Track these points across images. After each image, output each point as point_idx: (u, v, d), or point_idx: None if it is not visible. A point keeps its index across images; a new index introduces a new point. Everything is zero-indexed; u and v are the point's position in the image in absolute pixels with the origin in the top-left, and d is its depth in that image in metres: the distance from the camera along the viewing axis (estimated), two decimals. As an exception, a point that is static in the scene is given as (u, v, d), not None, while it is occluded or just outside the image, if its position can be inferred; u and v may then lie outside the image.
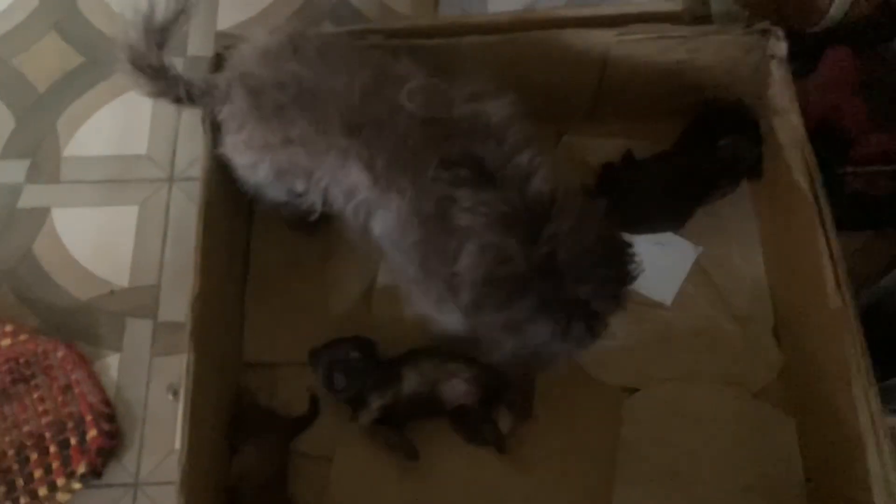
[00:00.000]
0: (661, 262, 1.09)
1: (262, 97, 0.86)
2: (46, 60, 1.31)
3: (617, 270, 0.80)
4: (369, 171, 0.82)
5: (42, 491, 1.00)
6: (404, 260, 0.86)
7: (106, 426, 1.03)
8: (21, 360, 1.08)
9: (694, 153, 1.10)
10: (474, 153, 0.80)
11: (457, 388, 0.97)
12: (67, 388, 1.06)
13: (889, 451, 0.80)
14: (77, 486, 1.01)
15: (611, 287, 0.79)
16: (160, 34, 0.90)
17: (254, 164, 0.91)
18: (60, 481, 1.00)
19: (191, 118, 1.25)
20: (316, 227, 1.05)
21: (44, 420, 1.04)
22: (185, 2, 0.91)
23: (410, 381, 0.97)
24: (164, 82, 0.92)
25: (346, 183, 0.85)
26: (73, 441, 1.02)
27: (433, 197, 0.80)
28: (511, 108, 0.85)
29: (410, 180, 0.81)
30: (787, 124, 0.97)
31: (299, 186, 0.90)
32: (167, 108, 1.25)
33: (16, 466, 1.01)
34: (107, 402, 1.06)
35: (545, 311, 0.77)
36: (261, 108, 0.86)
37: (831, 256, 0.89)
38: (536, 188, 0.79)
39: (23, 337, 1.08)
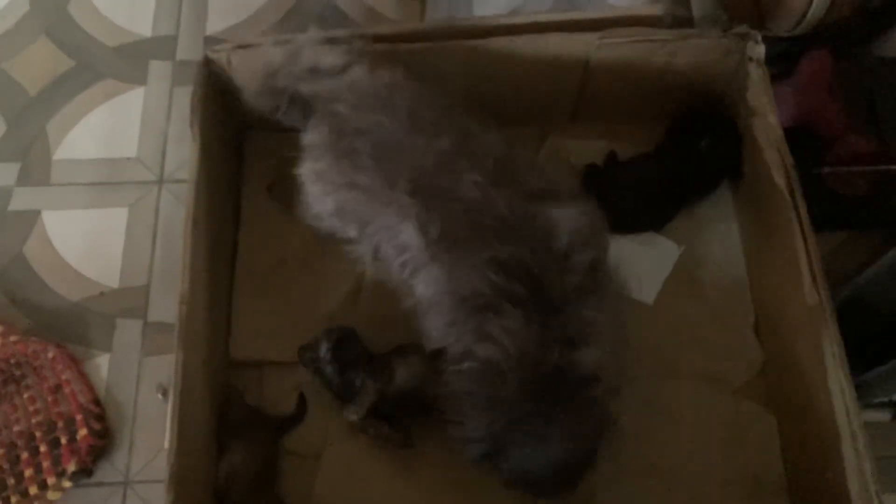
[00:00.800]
0: (644, 261, 1.11)
1: (342, 137, 0.89)
2: (37, 64, 1.33)
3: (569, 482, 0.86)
4: (423, 235, 0.83)
5: (33, 489, 1.00)
6: (429, 320, 0.88)
7: (96, 425, 1.04)
8: (12, 361, 1.08)
9: (675, 154, 1.12)
10: (528, 263, 0.80)
11: None
12: (58, 389, 1.06)
13: (863, 441, 0.82)
14: (67, 484, 1.02)
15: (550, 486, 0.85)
16: (309, 73, 0.93)
17: (320, 196, 0.93)
18: (51, 480, 1.01)
19: (179, 122, 1.27)
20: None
21: (34, 420, 1.05)
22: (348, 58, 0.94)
23: (400, 374, 0.98)
24: (276, 99, 0.96)
25: (398, 240, 0.86)
26: (63, 440, 1.03)
27: (471, 285, 0.80)
28: (582, 219, 0.84)
29: (456, 257, 0.82)
30: (765, 125, 0.99)
31: (351, 232, 0.93)
32: (156, 111, 1.28)
33: (6, 465, 1.02)
34: (97, 402, 1.07)
35: (490, 425, 0.82)
36: (337, 147, 0.89)
37: (808, 254, 0.91)
38: (582, 362, 0.80)
39: (13, 338, 1.09)
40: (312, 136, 0.92)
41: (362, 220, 0.90)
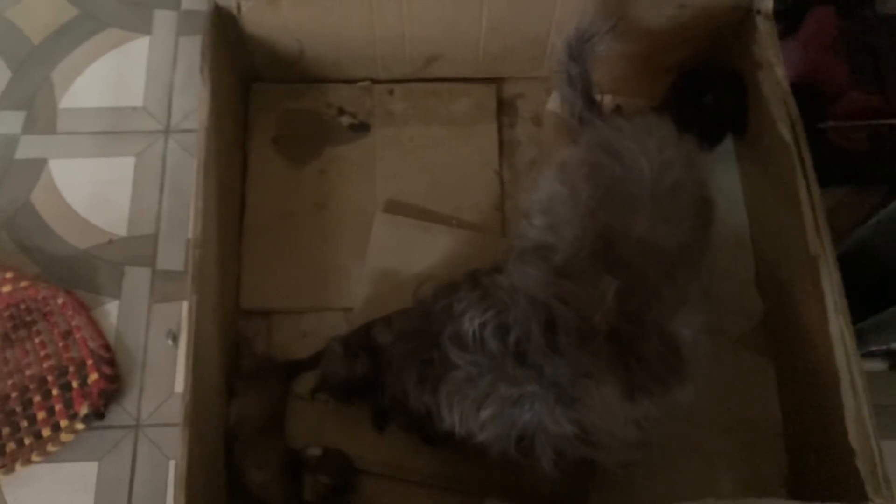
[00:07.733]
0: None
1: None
2: (40, 13, 1.31)
3: None
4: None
5: (46, 431, 1.02)
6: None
7: (107, 370, 1.05)
8: (22, 307, 1.09)
9: (681, 108, 1.12)
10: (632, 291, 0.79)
11: None
12: (68, 334, 1.07)
13: (861, 383, 0.84)
14: (80, 426, 1.03)
15: None
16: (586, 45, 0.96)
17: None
18: (64, 422, 1.02)
19: (184, 72, 1.26)
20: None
21: (46, 364, 1.06)
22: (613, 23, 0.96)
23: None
24: (574, 94, 1.00)
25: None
26: (74, 384, 1.04)
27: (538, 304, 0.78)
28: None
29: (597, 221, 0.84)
30: (771, 77, 1.00)
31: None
32: (162, 61, 1.28)
33: (19, 408, 1.03)
34: (107, 348, 1.08)
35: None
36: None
37: (811, 204, 0.92)
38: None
39: (23, 283, 1.09)
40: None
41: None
